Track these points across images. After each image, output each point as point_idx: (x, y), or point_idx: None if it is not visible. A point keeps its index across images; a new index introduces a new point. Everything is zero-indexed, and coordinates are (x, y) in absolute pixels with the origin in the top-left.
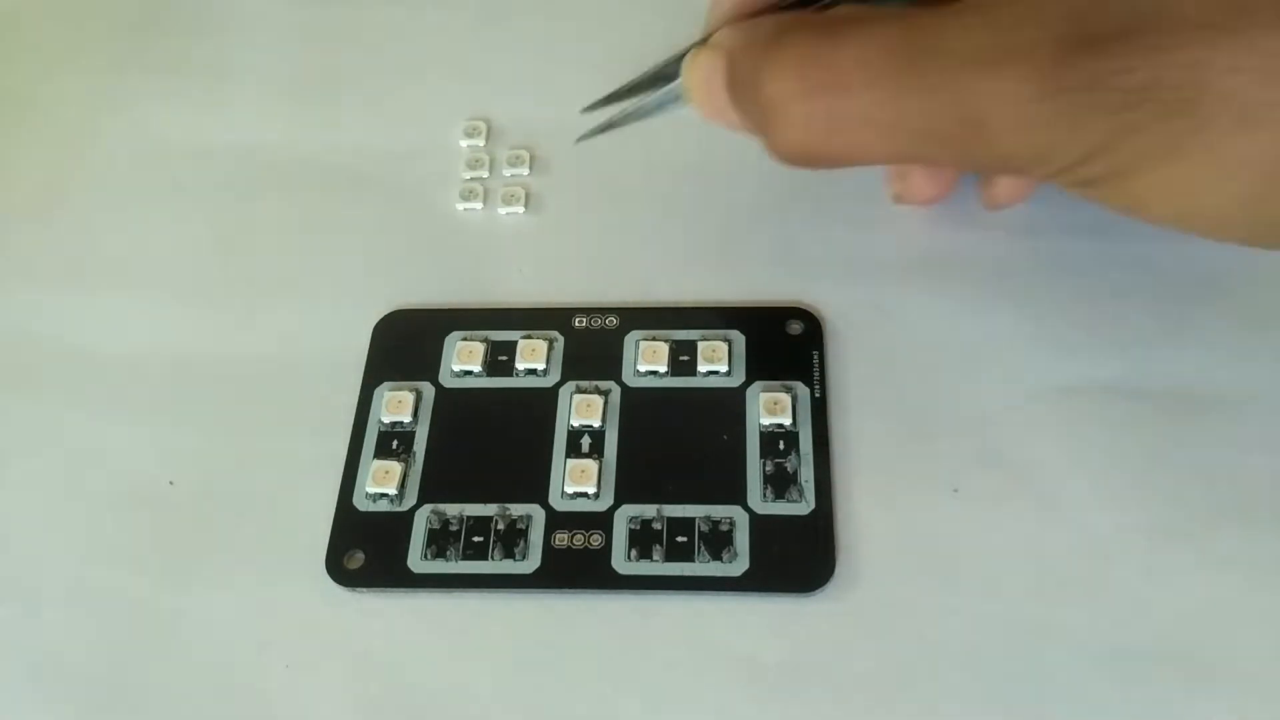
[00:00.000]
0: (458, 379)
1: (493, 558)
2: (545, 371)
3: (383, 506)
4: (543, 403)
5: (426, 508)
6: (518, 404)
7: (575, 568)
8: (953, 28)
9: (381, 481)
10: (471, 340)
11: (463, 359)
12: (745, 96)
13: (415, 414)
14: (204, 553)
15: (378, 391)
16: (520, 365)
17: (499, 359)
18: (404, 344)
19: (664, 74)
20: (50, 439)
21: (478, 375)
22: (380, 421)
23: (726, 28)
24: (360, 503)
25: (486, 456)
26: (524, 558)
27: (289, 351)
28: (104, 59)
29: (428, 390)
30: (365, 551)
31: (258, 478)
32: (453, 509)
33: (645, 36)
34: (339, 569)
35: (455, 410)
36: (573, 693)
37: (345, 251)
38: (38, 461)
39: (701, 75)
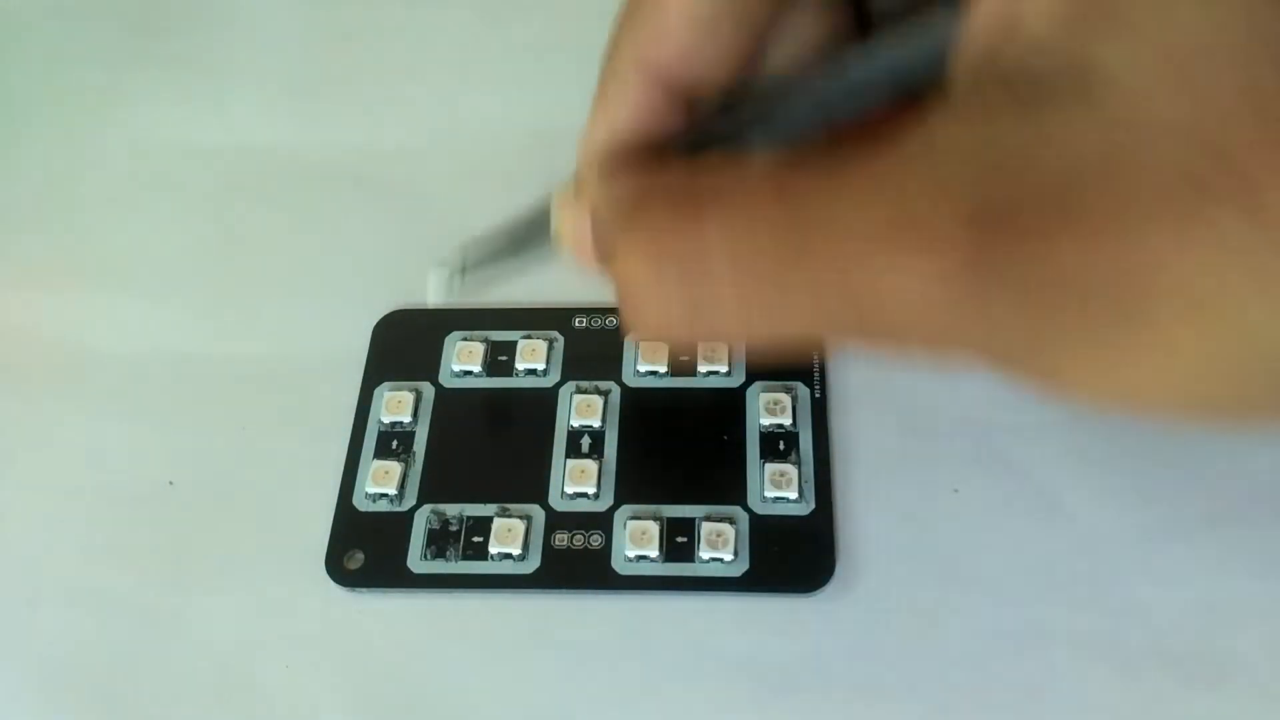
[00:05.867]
0: (458, 379)
1: (492, 558)
2: (545, 371)
3: (382, 506)
4: (543, 403)
5: (426, 508)
6: (518, 404)
7: (575, 568)
8: (841, 198)
9: (381, 481)
10: (471, 340)
11: (463, 359)
12: (606, 267)
13: (415, 414)
14: (204, 553)
15: (378, 391)
16: (520, 365)
17: (499, 359)
18: (404, 344)
19: (543, 215)
20: (50, 439)
21: (478, 375)
22: (380, 421)
23: (595, 172)
24: (360, 503)
25: (486, 456)
26: (524, 558)
27: (289, 351)
28: (104, 59)
29: (428, 390)
30: (365, 551)
31: (258, 478)
32: (452, 509)
33: None
34: (339, 569)
35: (455, 410)
36: (573, 693)
37: (345, 251)
38: (38, 461)
39: (568, 226)
